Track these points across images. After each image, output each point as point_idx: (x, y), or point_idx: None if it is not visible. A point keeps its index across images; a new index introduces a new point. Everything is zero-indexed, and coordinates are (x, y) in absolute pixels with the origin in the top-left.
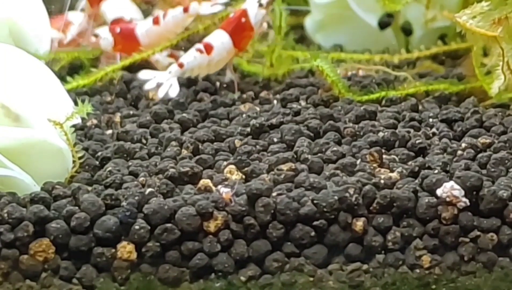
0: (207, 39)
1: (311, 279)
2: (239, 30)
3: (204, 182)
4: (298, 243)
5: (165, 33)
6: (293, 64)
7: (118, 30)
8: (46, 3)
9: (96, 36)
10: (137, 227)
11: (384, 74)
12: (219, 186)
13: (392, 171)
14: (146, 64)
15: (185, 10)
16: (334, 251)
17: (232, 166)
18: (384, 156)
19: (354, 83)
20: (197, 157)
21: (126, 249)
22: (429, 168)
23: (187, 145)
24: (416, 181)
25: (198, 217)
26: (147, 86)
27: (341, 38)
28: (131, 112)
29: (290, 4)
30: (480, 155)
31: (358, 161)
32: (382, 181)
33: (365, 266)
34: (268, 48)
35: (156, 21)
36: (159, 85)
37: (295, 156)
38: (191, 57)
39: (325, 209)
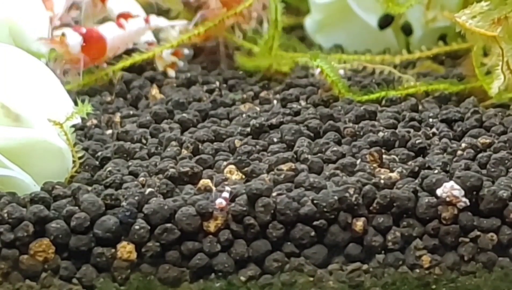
0: None
1: (311, 279)
2: None
3: (204, 182)
4: (298, 243)
5: (127, 39)
6: (294, 64)
7: (83, 30)
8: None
9: (62, 35)
10: (137, 227)
11: (384, 74)
12: (215, 196)
13: (392, 171)
14: (147, 64)
15: (146, 21)
16: (334, 251)
17: (232, 166)
18: (384, 156)
19: (354, 83)
20: (197, 157)
21: (126, 249)
22: (429, 168)
23: (187, 145)
24: (416, 181)
25: (198, 217)
26: None
27: (341, 38)
28: (131, 112)
29: (289, 4)
30: (480, 155)
31: (358, 161)
32: (382, 181)
33: (365, 266)
34: (265, 44)
35: (120, 25)
36: None
37: (295, 156)
38: None
39: (325, 209)
